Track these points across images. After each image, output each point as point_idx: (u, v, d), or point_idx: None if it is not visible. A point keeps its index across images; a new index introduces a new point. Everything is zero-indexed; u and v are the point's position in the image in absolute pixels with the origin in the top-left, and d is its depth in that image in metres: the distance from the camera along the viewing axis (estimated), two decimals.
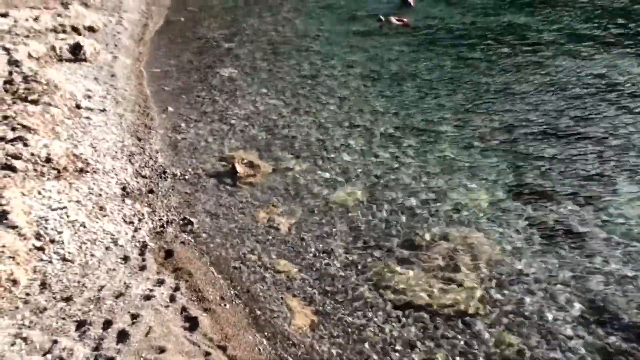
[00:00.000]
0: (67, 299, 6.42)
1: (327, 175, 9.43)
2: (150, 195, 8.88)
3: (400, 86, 12.49)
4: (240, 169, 9.48)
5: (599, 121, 10.55)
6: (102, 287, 6.67)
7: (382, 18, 16.15)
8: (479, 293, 6.89)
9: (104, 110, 11.18)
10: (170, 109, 11.90)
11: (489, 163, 9.53)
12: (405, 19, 16.04)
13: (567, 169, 9.23)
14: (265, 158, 9.99)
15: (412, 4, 17.47)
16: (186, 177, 9.49)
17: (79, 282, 6.71)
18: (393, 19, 16.01)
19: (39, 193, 8.09)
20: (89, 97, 11.56)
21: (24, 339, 5.76)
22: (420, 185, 9.07)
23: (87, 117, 10.73)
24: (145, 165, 9.66)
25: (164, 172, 9.53)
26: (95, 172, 9.07)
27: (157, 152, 10.14)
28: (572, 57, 13.28)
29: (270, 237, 8.04)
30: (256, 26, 16.58)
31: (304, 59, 14.17)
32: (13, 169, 8.47)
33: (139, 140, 10.44)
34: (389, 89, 12.39)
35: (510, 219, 8.17)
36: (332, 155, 9.98)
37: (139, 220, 8.12)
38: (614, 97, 11.40)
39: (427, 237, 7.90)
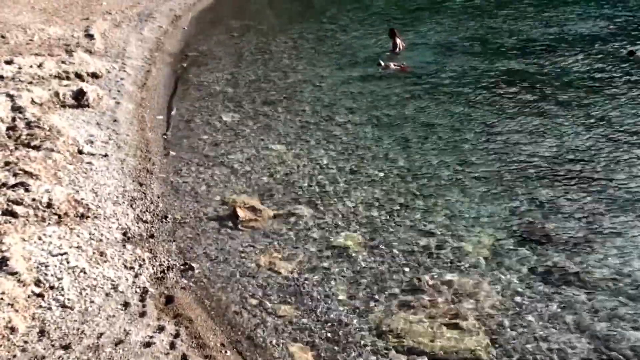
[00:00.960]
0: (66, 347, 6.33)
1: (328, 219, 9.42)
2: (151, 240, 8.85)
3: (401, 131, 12.59)
4: (241, 213, 9.48)
5: (602, 164, 10.59)
6: (101, 334, 6.59)
7: (382, 63, 16.36)
8: (482, 338, 6.80)
9: (105, 155, 11.23)
10: (172, 153, 11.96)
11: (490, 207, 9.53)
12: (403, 64, 16.25)
13: (570, 212, 9.23)
14: (267, 202, 9.99)
15: (400, 48, 17.68)
16: (187, 221, 9.48)
17: (78, 329, 6.63)
18: (392, 64, 16.22)
19: (40, 239, 8.08)
20: (91, 142, 11.64)
21: None
22: (422, 229, 9.04)
23: (89, 162, 10.78)
24: (147, 210, 9.66)
25: (165, 217, 9.52)
26: (96, 217, 9.06)
27: (158, 197, 10.15)
28: (573, 102, 13.42)
29: (271, 282, 7.98)
30: (259, 72, 16.79)
31: (306, 104, 14.32)
32: (14, 214, 8.48)
33: (141, 185, 10.46)
34: (390, 134, 12.48)
35: (513, 263, 8.12)
36: (334, 200, 9.99)
37: (140, 265, 8.08)
38: (617, 139, 11.48)
39: (430, 282, 7.83)
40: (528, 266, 8.05)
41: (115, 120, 12.97)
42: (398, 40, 17.82)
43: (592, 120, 12.41)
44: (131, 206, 9.67)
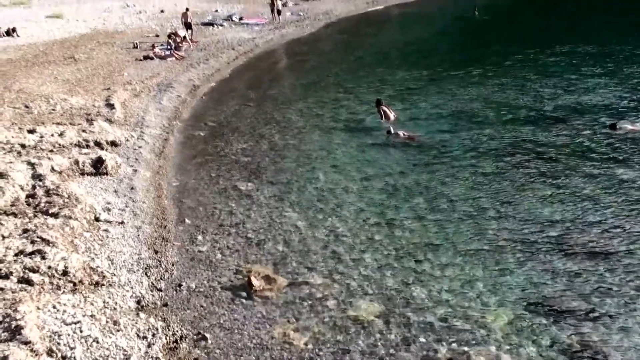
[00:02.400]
0: None
1: (343, 289, 9.35)
2: (164, 308, 8.81)
3: (414, 200, 12.60)
4: (255, 282, 9.44)
5: (618, 235, 10.50)
6: None
7: (392, 131, 16.59)
8: None
9: (122, 222, 11.33)
10: (187, 221, 12.03)
11: (507, 277, 9.43)
12: (411, 133, 16.45)
13: (587, 284, 9.09)
14: (281, 272, 9.96)
15: (391, 118, 17.91)
16: (201, 290, 9.44)
17: None
18: (401, 133, 16.43)
19: (54, 307, 8.07)
20: (108, 209, 11.77)
21: None
22: (438, 301, 8.93)
23: (106, 230, 10.87)
24: (161, 278, 9.65)
25: (179, 285, 9.50)
26: (110, 285, 9.07)
27: (172, 265, 10.16)
28: (584, 171, 13.42)
29: (285, 354, 7.87)
30: (274, 140, 17.03)
31: (320, 171, 14.45)
32: (30, 282, 8.51)
33: (156, 252, 10.49)
34: (404, 203, 12.50)
35: (529, 336, 7.97)
36: (349, 270, 9.93)
37: (153, 335, 8.01)
38: (631, 210, 11.41)
39: (446, 354, 7.68)
40: (548, 339, 7.89)
41: (132, 188, 13.14)
42: (386, 110, 18.10)
43: (608, 190, 12.38)
44: (146, 274, 9.68)
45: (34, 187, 11.78)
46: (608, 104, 18.42)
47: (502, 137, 16.00)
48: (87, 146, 14.77)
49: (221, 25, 37.40)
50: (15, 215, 10.63)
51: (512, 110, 18.44)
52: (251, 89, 23.76)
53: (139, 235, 11.02)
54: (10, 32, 31.33)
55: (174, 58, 27.24)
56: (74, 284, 8.75)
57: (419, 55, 28.85)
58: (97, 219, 11.23)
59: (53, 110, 17.78)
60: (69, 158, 13.61)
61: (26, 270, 8.70)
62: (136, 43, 29.87)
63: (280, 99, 21.91)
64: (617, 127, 15.49)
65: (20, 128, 15.42)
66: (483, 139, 15.93)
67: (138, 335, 7.93)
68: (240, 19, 39.56)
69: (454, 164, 14.41)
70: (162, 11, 42.22)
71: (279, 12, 39.52)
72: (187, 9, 33.75)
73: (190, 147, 16.96)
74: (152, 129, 17.42)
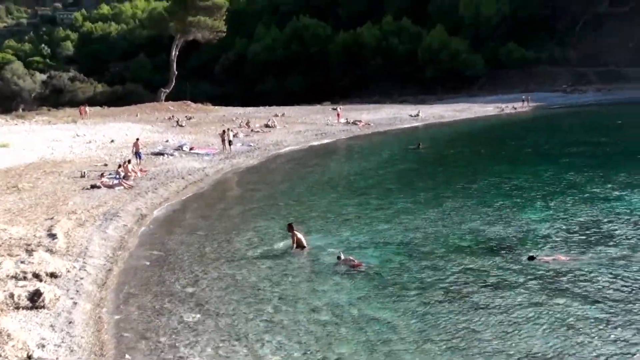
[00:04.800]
0: None
1: None
2: None
3: (360, 333, 12.42)
4: None
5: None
6: None
7: (342, 257, 16.68)
8: None
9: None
10: (127, 356, 11.43)
11: None
12: (356, 261, 16.53)
13: None
14: None
15: (303, 243, 18.14)
16: None
17: None
18: (350, 260, 16.53)
19: None
20: (43, 346, 11.12)
21: None
22: None
23: None
24: None
25: None
26: None
27: None
28: (507, 301, 13.59)
29: None
30: (222, 270, 16.73)
31: (267, 303, 14.16)
32: None
33: None
34: (352, 336, 12.29)
35: None
36: None
37: None
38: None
39: None
40: None
41: (70, 322, 12.52)
42: (298, 236, 18.29)
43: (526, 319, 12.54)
44: None
45: None
46: (534, 235, 19.14)
47: (440, 268, 16.20)
48: (25, 278, 14.18)
49: (171, 154, 37.82)
50: None
51: (452, 240, 18.83)
52: (199, 218, 23.65)
53: None
54: None
55: (122, 187, 27.13)
56: None
57: (366, 185, 29.57)
58: (29, 357, 10.55)
59: None
60: (4, 291, 13.00)
61: None
62: (84, 172, 29.75)
63: (229, 228, 21.79)
64: (535, 258, 16.22)
65: None
66: (425, 270, 16.05)
67: None
68: (191, 148, 40.16)
69: (400, 294, 14.39)
70: (112, 141, 42.59)
71: (230, 143, 40.35)
72: (138, 139, 34.24)
73: (135, 277, 16.47)
74: (95, 259, 16.94)
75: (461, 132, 55.73)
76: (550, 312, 12.86)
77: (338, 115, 61.84)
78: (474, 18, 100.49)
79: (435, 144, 44.70)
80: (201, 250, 18.87)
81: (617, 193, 24.54)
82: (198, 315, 13.48)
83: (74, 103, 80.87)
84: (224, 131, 41.89)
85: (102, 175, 28.53)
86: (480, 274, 15.57)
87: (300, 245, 18.18)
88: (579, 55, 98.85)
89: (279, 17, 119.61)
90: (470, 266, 16.15)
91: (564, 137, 45.25)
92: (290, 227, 18.72)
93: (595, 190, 25.40)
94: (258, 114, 67.44)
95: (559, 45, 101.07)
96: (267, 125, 54.81)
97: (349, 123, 58.43)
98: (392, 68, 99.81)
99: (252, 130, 52.36)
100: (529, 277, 15.10)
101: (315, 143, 47.53)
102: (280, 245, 18.90)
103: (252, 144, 43.94)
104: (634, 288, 14.08)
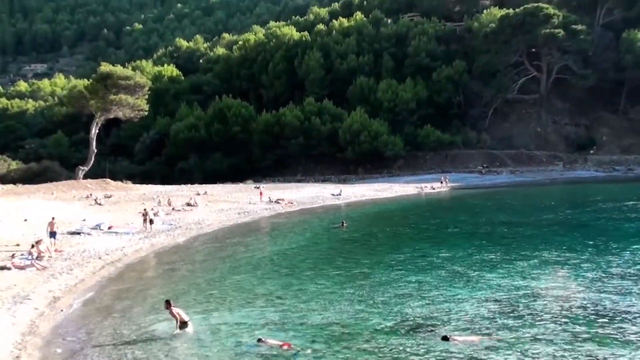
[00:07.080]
0: None
1: None
2: None
3: None
4: None
5: None
6: None
7: (262, 339, 16.52)
8: None
9: None
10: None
11: None
12: (280, 342, 16.42)
13: None
14: None
15: (186, 320, 17.97)
16: None
17: None
18: (270, 341, 16.42)
19: None
20: None
21: None
22: None
23: None
24: None
25: None
26: None
27: None
28: None
29: None
30: (136, 356, 16.19)
31: None
32: None
33: None
34: None
35: None
36: None
37: None
38: None
39: None
40: None
41: None
42: (178, 312, 18.04)
43: None
44: None
45: None
46: (449, 313, 19.54)
47: (360, 348, 16.33)
48: None
49: (88, 234, 36.72)
50: None
51: (372, 319, 18.98)
52: (116, 299, 22.88)
53: None
54: None
55: (34, 268, 25.99)
56: None
57: (288, 265, 29.51)
58: None
59: None
60: None
61: None
62: None
63: (146, 310, 21.16)
64: (449, 338, 16.60)
65: None
66: (342, 352, 16.10)
67: None
68: (110, 227, 39.17)
69: None
70: (25, 220, 40.97)
71: (150, 222, 39.65)
72: (53, 218, 33.17)
73: None
74: (1, 346, 16.01)
75: (383, 211, 56.99)
76: None
77: (261, 193, 62.22)
78: (392, 102, 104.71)
79: (357, 223, 45.45)
80: (118, 334, 18.21)
81: (532, 271, 25.50)
82: None
83: None
84: (145, 210, 41.22)
85: (12, 255, 27.29)
86: (397, 355, 15.78)
87: (183, 323, 17.78)
88: (492, 138, 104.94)
89: (202, 97, 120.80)
90: (389, 347, 16.36)
91: (480, 217, 47.07)
92: (168, 304, 18.25)
93: (511, 268, 26.24)
94: (180, 192, 66.83)
95: (473, 129, 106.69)
96: (188, 204, 54.27)
97: (272, 202, 58.74)
98: (314, 147, 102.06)
99: (173, 208, 51.71)
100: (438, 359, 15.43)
101: (238, 222, 47.32)
102: (197, 327, 18.52)
103: (173, 223, 43.27)
104: None
